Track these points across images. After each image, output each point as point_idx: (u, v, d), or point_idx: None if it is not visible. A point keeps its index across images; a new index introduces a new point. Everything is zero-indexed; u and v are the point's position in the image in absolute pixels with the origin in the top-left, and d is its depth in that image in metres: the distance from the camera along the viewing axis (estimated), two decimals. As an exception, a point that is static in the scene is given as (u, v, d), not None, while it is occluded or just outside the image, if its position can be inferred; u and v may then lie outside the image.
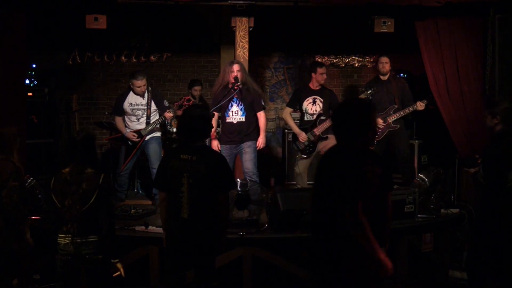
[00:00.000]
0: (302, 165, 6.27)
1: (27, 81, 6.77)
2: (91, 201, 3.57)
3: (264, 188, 5.55)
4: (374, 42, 7.80)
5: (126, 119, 6.21)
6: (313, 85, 6.24)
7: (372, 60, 8.24)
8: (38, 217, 5.18)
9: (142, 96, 6.14)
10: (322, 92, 6.24)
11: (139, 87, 6.04)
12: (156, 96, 6.25)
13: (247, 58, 6.13)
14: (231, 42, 6.48)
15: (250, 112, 5.68)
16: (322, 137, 6.14)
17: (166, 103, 6.23)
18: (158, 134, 6.30)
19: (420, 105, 6.16)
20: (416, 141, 7.05)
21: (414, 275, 5.42)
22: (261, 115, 5.73)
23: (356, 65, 8.31)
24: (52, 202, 3.66)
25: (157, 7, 6.90)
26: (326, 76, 6.30)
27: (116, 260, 3.73)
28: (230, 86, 5.55)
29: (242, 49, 6.13)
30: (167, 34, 8.00)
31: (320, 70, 6.16)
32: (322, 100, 6.20)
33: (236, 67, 5.59)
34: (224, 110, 5.67)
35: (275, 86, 8.32)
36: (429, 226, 5.52)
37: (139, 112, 6.16)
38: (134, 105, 6.15)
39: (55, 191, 3.64)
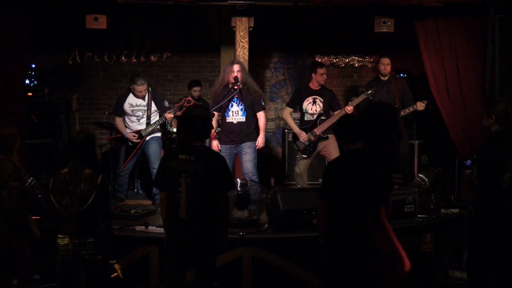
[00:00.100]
0: (302, 165, 6.26)
1: (27, 81, 6.76)
2: (89, 202, 3.57)
3: (264, 188, 5.55)
4: (374, 42, 7.80)
5: (127, 119, 6.21)
6: (313, 85, 6.23)
7: (372, 60, 8.24)
8: (38, 217, 5.18)
9: (143, 97, 6.14)
10: (322, 92, 6.24)
11: (139, 92, 6.06)
12: (156, 97, 6.25)
13: (247, 58, 6.13)
14: (231, 42, 6.48)
15: (250, 112, 5.68)
16: (322, 137, 6.14)
17: (166, 104, 6.23)
18: (158, 134, 6.30)
19: (420, 105, 6.15)
20: (416, 141, 7.05)
21: (414, 275, 5.41)
22: (261, 115, 5.73)
23: (356, 65, 8.31)
24: (51, 202, 3.66)
25: (157, 7, 6.90)
26: (326, 76, 6.29)
27: (114, 261, 3.73)
28: (230, 86, 5.55)
29: (242, 49, 6.13)
30: (167, 34, 7.99)
31: (320, 70, 6.16)
32: (322, 100, 6.20)
33: (236, 67, 5.60)
34: (224, 110, 5.67)
35: (275, 86, 8.32)
36: (429, 226, 5.52)
37: (139, 113, 6.17)
38: (134, 106, 6.15)
39: (54, 191, 3.64)
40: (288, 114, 6.34)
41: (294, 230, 5.03)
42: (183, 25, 7.94)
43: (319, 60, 8.08)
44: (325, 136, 6.13)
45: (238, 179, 5.42)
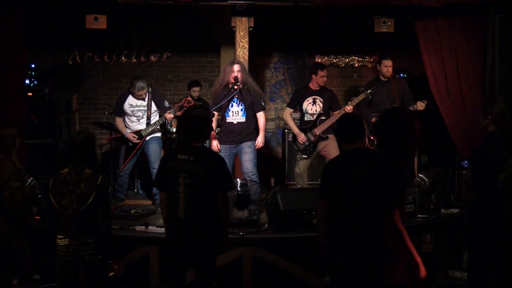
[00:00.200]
0: (302, 165, 6.27)
1: (27, 81, 6.76)
2: (89, 202, 3.57)
3: (264, 188, 5.55)
4: (374, 42, 7.80)
5: (127, 119, 6.21)
6: (313, 86, 6.23)
7: (372, 60, 8.24)
8: (38, 217, 5.19)
9: (143, 98, 6.14)
10: (322, 92, 6.24)
11: (139, 95, 6.06)
12: (156, 97, 6.25)
13: (247, 58, 6.13)
14: (231, 42, 6.48)
15: (250, 112, 5.68)
16: (322, 137, 6.14)
17: (166, 104, 6.23)
18: (158, 134, 6.30)
19: (420, 105, 6.15)
20: (416, 141, 7.03)
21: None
22: (260, 116, 5.73)
23: (356, 65, 8.31)
24: (51, 202, 3.66)
25: (157, 7, 6.89)
26: (326, 78, 6.29)
27: (112, 262, 3.73)
28: (230, 86, 5.55)
29: (242, 49, 6.13)
30: (167, 34, 7.99)
31: (321, 73, 6.15)
32: (322, 100, 6.20)
33: (236, 67, 5.60)
34: (224, 110, 5.67)
35: (275, 86, 8.31)
36: (429, 226, 5.52)
37: (139, 113, 6.17)
38: (134, 106, 6.15)
39: (54, 192, 3.64)
40: (288, 115, 6.35)
41: (294, 230, 5.03)
42: (183, 25, 7.94)
43: (319, 60, 8.08)
44: (325, 136, 6.13)
45: (238, 179, 5.42)
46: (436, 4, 5.90)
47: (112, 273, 3.72)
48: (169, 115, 6.07)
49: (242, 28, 6.12)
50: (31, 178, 5.34)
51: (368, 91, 6.17)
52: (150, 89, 6.24)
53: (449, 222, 5.64)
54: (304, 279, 5.03)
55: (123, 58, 7.98)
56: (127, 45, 7.97)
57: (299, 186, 6.30)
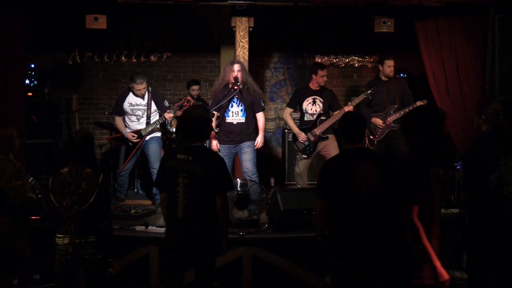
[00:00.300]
0: (302, 165, 6.27)
1: (27, 81, 6.76)
2: (91, 201, 3.56)
3: (264, 188, 5.55)
4: (374, 42, 7.80)
5: (126, 119, 6.21)
6: (313, 86, 6.23)
7: (372, 60, 8.24)
8: (38, 217, 5.19)
9: (142, 97, 6.14)
10: (322, 92, 6.24)
11: (139, 90, 6.05)
12: (156, 97, 6.25)
13: (247, 58, 6.13)
14: (231, 42, 6.48)
15: (250, 113, 5.68)
16: (322, 137, 6.14)
17: (166, 104, 6.23)
18: (158, 134, 6.30)
19: (420, 105, 6.15)
20: (416, 141, 7.03)
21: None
22: (260, 116, 5.73)
23: (356, 65, 8.31)
24: (51, 202, 3.65)
25: (157, 7, 6.90)
26: (326, 78, 6.29)
27: (112, 259, 3.72)
28: (230, 86, 5.55)
29: (242, 49, 6.13)
30: (167, 34, 7.99)
31: (321, 72, 6.15)
32: (322, 100, 6.20)
33: (236, 66, 5.60)
34: (224, 110, 5.67)
35: (275, 86, 8.31)
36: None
37: (139, 112, 6.17)
38: (134, 105, 6.15)
39: (54, 192, 3.63)
40: (288, 114, 6.35)
41: (294, 230, 5.03)
42: (183, 25, 7.94)
43: (319, 60, 8.08)
44: (325, 136, 6.13)
45: (238, 179, 5.42)
46: (436, 4, 5.90)
47: (110, 270, 3.71)
48: (168, 115, 6.07)
49: (242, 28, 6.12)
50: (31, 178, 5.34)
51: (369, 92, 6.17)
52: (150, 88, 6.24)
53: (449, 222, 5.63)
54: (304, 279, 5.03)
55: (123, 58, 7.98)
56: (127, 45, 7.98)
57: (299, 186, 6.30)
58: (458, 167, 4.73)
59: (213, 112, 5.47)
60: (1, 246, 4.11)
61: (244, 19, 6.11)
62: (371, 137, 6.41)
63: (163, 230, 4.35)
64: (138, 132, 6.14)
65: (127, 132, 6.15)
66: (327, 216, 3.41)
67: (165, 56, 8.06)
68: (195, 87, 7.28)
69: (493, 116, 4.36)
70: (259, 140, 5.69)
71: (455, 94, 6.24)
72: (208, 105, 6.14)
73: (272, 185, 7.44)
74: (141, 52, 8.01)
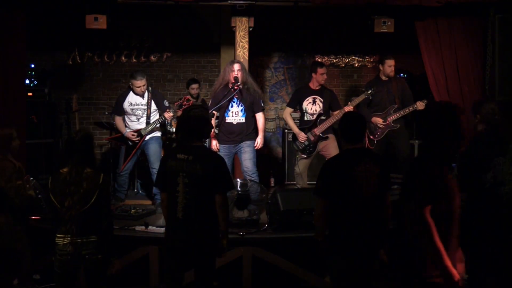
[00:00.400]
0: (302, 165, 6.26)
1: (27, 81, 6.77)
2: (92, 201, 3.56)
3: (264, 188, 5.55)
4: (374, 42, 7.80)
5: (126, 119, 6.21)
6: (313, 85, 6.23)
7: (372, 60, 8.24)
8: (38, 217, 5.19)
9: (142, 96, 6.14)
10: (322, 92, 6.24)
11: (138, 87, 6.04)
12: (156, 96, 6.24)
13: (247, 58, 6.14)
14: (231, 42, 6.48)
15: (250, 113, 5.68)
16: (322, 137, 6.14)
17: (166, 103, 6.23)
18: (158, 134, 6.30)
19: (420, 105, 6.15)
20: (416, 141, 7.05)
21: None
22: (260, 116, 5.72)
23: (356, 65, 8.31)
24: (51, 203, 3.65)
25: (157, 7, 6.90)
26: (326, 76, 6.30)
27: (113, 258, 3.71)
28: (230, 86, 5.55)
29: (242, 49, 6.14)
30: (167, 34, 8.00)
31: (320, 70, 6.15)
32: (322, 100, 6.20)
33: (237, 66, 5.60)
34: (224, 110, 5.67)
35: (275, 86, 8.32)
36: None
37: (139, 112, 6.16)
38: (134, 105, 6.15)
39: (54, 192, 3.61)
40: (288, 114, 6.34)
41: (294, 230, 5.03)
42: (183, 25, 7.94)
43: (319, 60, 8.08)
44: (325, 136, 6.13)
45: (238, 179, 5.42)
46: (436, 4, 5.91)
47: (110, 270, 3.71)
48: (168, 114, 6.06)
49: (242, 28, 6.12)
50: (31, 178, 5.34)
51: (369, 92, 6.17)
52: (150, 88, 6.23)
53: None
54: (304, 279, 5.03)
55: (123, 58, 7.98)
56: (127, 45, 7.98)
57: (299, 186, 6.30)
58: (453, 166, 4.71)
59: (213, 112, 5.47)
60: (1, 246, 4.12)
61: (244, 19, 6.12)
62: (371, 137, 6.41)
63: (163, 230, 4.35)
64: (137, 131, 6.14)
65: (127, 132, 6.15)
66: (327, 216, 3.41)
67: (165, 56, 8.07)
68: (195, 85, 7.28)
69: (488, 115, 4.36)
70: (259, 141, 5.69)
71: (455, 94, 6.24)
72: (207, 104, 6.14)
73: (272, 185, 7.44)
74: (141, 52, 8.01)
